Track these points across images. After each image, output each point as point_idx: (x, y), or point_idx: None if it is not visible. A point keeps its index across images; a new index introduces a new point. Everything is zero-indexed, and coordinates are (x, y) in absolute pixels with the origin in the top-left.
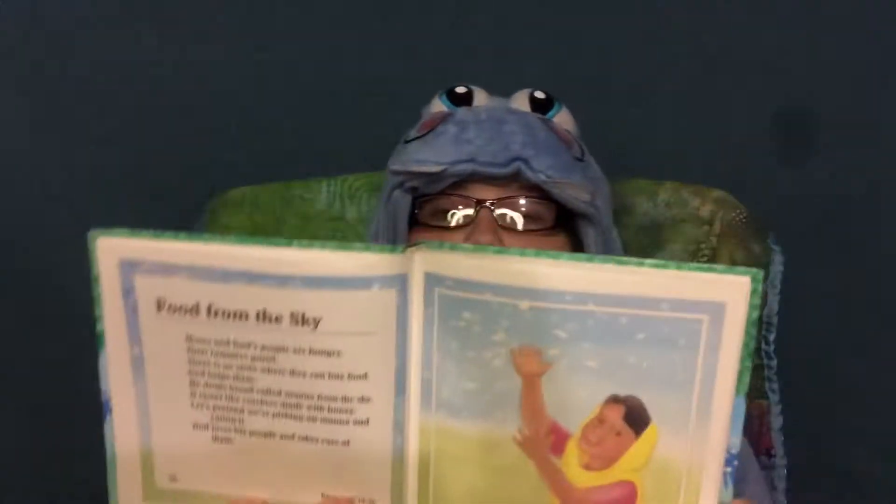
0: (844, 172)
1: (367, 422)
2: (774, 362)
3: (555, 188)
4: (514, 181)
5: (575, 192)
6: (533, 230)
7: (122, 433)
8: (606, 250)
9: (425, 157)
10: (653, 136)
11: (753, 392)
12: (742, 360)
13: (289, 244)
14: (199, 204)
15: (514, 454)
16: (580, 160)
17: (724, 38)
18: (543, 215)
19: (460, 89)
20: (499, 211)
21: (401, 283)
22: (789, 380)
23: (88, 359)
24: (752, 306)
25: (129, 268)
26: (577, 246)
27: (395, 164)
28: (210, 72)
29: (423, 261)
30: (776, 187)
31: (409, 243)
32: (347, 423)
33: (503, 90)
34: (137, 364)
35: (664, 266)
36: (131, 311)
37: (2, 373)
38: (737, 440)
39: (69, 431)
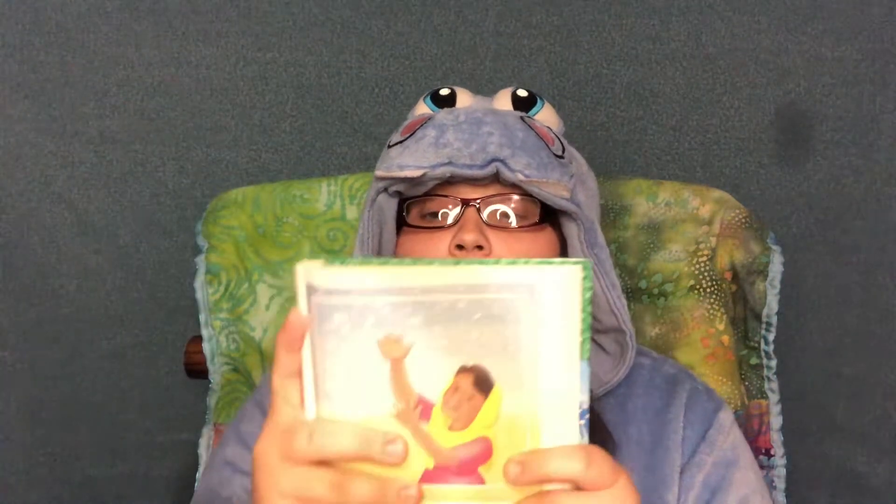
0: (844, 172)
1: None
2: (774, 362)
3: (533, 187)
4: (496, 181)
5: (553, 190)
6: (519, 227)
7: None
8: (589, 244)
9: (406, 161)
10: (653, 136)
11: (753, 392)
12: (582, 332)
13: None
14: (199, 204)
15: (393, 426)
16: (560, 157)
17: (724, 38)
18: (529, 212)
19: (444, 91)
20: (485, 210)
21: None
22: (789, 380)
23: (88, 358)
24: (586, 288)
25: None
26: (564, 239)
27: (379, 170)
28: (210, 72)
29: (302, 274)
30: (776, 187)
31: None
32: None
33: (502, 91)
34: None
35: (497, 263)
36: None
37: (1, 373)
38: (586, 398)
39: (69, 431)
